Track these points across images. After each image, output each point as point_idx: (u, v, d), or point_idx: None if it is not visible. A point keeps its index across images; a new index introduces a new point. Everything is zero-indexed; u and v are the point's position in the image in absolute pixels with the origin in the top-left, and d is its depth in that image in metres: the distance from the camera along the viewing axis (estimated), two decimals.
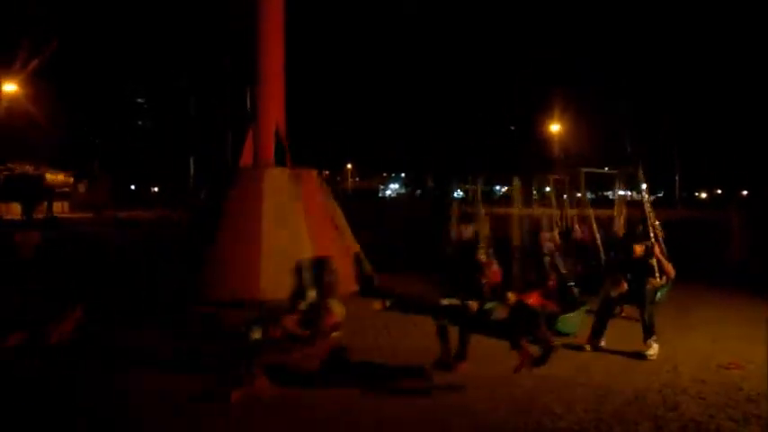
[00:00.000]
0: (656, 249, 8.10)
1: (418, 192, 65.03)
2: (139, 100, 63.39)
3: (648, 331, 7.39)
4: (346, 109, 51.34)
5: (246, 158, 10.82)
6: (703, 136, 53.81)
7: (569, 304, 7.60)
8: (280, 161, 10.72)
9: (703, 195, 74.15)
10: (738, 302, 10.98)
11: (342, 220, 10.99)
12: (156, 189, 62.28)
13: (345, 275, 9.80)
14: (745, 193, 62.27)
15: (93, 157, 53.70)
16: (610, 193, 10.70)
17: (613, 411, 5.69)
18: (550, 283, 7.00)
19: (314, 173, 11.08)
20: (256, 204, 9.81)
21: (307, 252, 9.62)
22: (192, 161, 49.34)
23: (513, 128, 58.75)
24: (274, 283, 9.04)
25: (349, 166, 69.01)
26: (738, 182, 61.46)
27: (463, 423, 5.39)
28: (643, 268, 7.76)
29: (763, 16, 45.71)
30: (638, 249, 7.84)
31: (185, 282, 9.50)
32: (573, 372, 6.80)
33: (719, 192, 70.45)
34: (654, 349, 7.30)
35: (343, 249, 10.32)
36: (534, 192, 12.36)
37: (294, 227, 9.77)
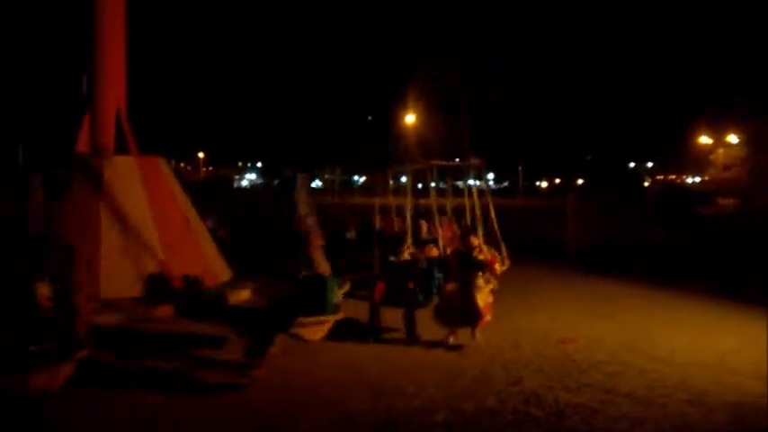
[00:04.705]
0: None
1: (276, 182, 64.01)
2: None
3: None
4: (199, 96, 49.25)
5: (82, 146, 10.01)
6: (545, 128, 57.65)
7: None
8: (122, 149, 10.02)
9: (544, 185, 79.47)
10: (573, 282, 11.89)
11: (192, 212, 10.51)
12: None
13: (195, 266, 9.39)
14: (580, 181, 67.58)
15: None
16: (460, 184, 11.06)
17: (462, 388, 5.92)
18: None
19: (161, 161, 10.49)
20: (96, 194, 9.12)
21: (153, 244, 9.12)
22: (20, 150, 44.51)
23: (369, 118, 59.50)
24: (117, 276, 8.48)
25: (201, 154, 66.14)
26: (574, 171, 66.57)
27: (318, 412, 5.35)
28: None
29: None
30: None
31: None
32: (423, 354, 7.01)
33: (558, 181, 75.83)
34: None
35: (192, 241, 9.88)
36: (391, 182, 12.50)
37: (138, 219, 9.19)
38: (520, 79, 44.79)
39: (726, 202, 35.99)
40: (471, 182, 11.22)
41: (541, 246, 16.09)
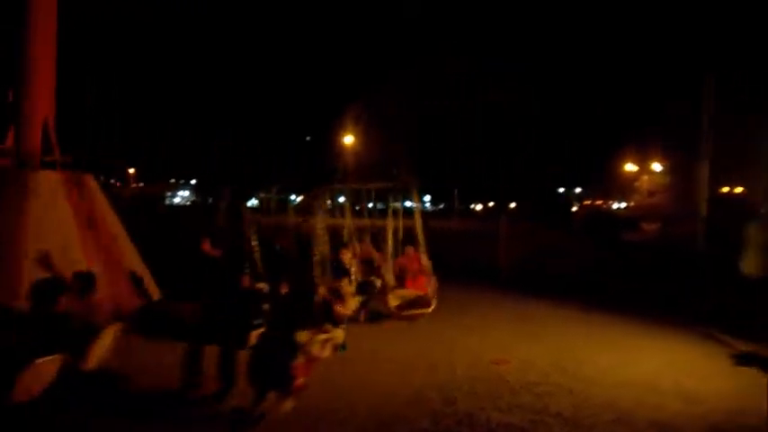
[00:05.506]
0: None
1: (210, 200, 62.78)
2: None
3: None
4: (131, 109, 47.93)
5: (7, 159, 9.59)
6: (480, 153, 58.89)
7: None
8: (48, 163, 9.64)
9: (478, 207, 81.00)
10: (505, 304, 12.11)
11: (119, 229, 10.18)
12: None
13: (122, 289, 9.07)
14: (513, 205, 69.26)
15: None
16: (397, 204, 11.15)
17: (394, 411, 5.92)
18: None
19: (88, 177, 10.14)
20: (19, 210, 8.73)
21: (78, 263, 8.77)
22: None
23: (308, 138, 59.31)
24: None
25: (131, 170, 64.22)
26: (508, 195, 68.26)
27: None
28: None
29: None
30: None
31: None
32: (355, 378, 6.96)
33: (492, 204, 77.44)
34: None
35: (118, 261, 9.55)
36: (329, 202, 12.47)
37: (64, 236, 8.83)
38: (520, 79, 45.31)
39: (650, 227, 37.50)
40: (408, 203, 11.30)
41: (475, 267, 16.34)
